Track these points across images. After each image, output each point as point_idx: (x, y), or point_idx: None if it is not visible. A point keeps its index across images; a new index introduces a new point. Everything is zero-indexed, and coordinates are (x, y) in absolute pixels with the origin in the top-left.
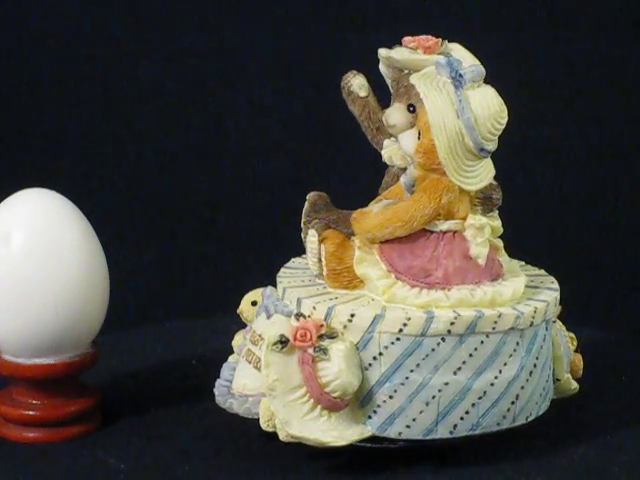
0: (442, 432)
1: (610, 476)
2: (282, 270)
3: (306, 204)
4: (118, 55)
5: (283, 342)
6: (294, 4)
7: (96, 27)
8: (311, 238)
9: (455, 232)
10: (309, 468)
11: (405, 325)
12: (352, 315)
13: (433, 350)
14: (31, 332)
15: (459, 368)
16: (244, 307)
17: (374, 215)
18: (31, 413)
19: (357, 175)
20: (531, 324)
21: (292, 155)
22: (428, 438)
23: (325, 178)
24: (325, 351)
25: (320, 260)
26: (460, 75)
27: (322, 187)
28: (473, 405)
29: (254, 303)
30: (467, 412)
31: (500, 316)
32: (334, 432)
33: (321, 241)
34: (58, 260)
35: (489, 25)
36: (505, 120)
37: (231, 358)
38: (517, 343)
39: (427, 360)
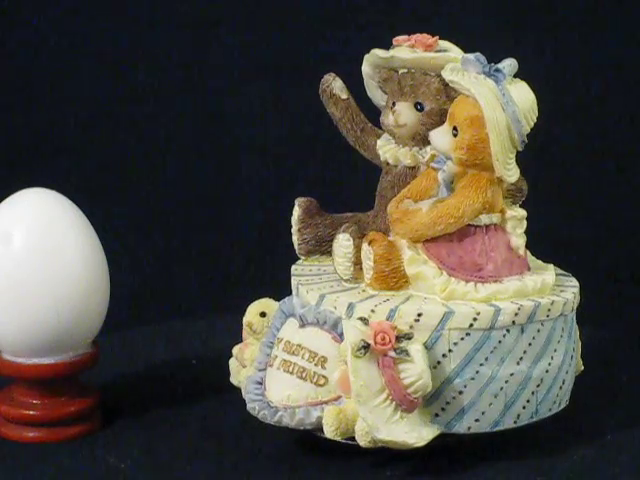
0: (507, 423)
1: (610, 476)
2: (297, 278)
3: (298, 210)
4: (118, 55)
5: (365, 347)
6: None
7: (96, 27)
8: (345, 242)
9: (495, 225)
10: (310, 467)
11: (475, 320)
12: (419, 314)
13: (500, 342)
14: (31, 332)
15: (521, 358)
16: (253, 319)
17: (424, 214)
18: (31, 413)
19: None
20: (572, 309)
21: (285, 158)
22: (495, 430)
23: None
24: (407, 352)
25: (355, 264)
26: (497, 70)
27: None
28: (533, 393)
29: (263, 314)
30: (528, 401)
31: (552, 304)
32: (414, 433)
33: (369, 243)
34: (58, 260)
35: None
36: (537, 113)
37: (244, 372)
38: (562, 329)
39: (495, 353)
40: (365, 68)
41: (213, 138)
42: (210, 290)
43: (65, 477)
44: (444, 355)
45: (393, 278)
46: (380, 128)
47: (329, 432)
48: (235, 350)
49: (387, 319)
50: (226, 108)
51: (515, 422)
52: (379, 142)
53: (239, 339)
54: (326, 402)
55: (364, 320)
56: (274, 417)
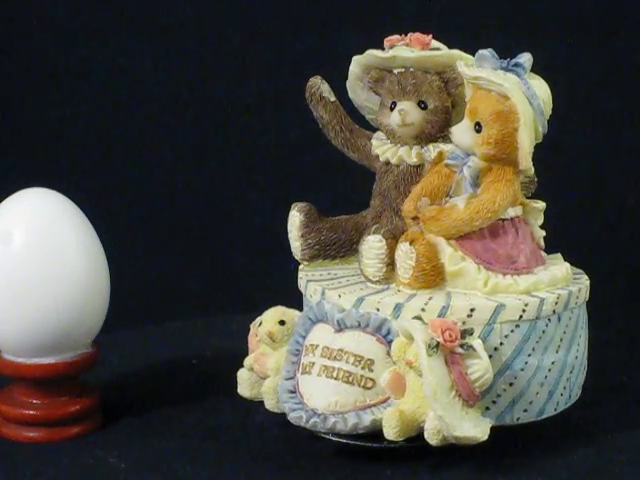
0: (549, 410)
1: (610, 476)
2: (320, 283)
3: (300, 215)
4: (118, 55)
5: (437, 345)
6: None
7: (96, 27)
8: (377, 244)
9: (518, 217)
10: (309, 467)
11: (524, 311)
12: (472, 310)
13: (543, 332)
14: (31, 332)
15: (559, 346)
16: (273, 328)
17: (462, 210)
18: (31, 413)
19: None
20: (589, 297)
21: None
22: (540, 419)
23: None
24: (473, 347)
25: (388, 264)
26: (516, 64)
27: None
28: (567, 379)
29: (282, 322)
30: (564, 387)
31: (580, 291)
32: (478, 428)
33: (410, 243)
34: (58, 260)
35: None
36: (552, 105)
37: (269, 382)
38: (582, 316)
39: (540, 342)
40: (355, 69)
41: (214, 137)
42: (210, 290)
43: (65, 477)
44: (496, 348)
45: (432, 276)
46: (369, 129)
47: (392, 434)
48: (249, 361)
49: (438, 316)
50: (229, 108)
51: (555, 409)
52: (374, 142)
53: (238, 339)
54: (374, 405)
55: (420, 319)
56: (326, 424)
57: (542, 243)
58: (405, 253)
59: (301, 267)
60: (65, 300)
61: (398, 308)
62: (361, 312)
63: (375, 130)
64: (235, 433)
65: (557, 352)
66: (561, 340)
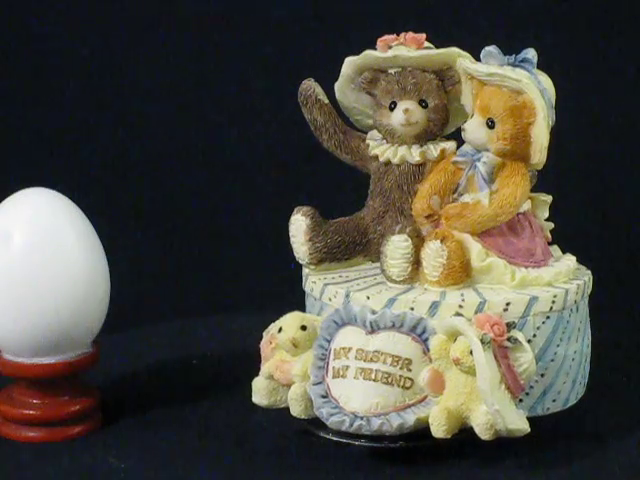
0: (572, 399)
1: (610, 476)
2: (342, 286)
3: (306, 220)
4: (118, 55)
5: (489, 341)
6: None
7: (96, 26)
8: (403, 244)
9: (528, 211)
10: (309, 467)
11: (554, 302)
12: (508, 304)
13: (568, 322)
14: (32, 332)
15: (577, 335)
16: (296, 334)
17: (486, 206)
18: (31, 413)
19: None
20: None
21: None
22: (566, 408)
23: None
24: (519, 341)
25: (412, 264)
26: (524, 60)
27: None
28: (584, 368)
29: (304, 328)
30: (582, 376)
31: (589, 280)
32: (523, 419)
33: (441, 241)
34: (59, 260)
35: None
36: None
37: (295, 389)
38: (587, 306)
39: (565, 332)
40: (347, 70)
41: (214, 136)
42: (210, 290)
43: (65, 477)
44: (529, 340)
45: (460, 273)
46: (361, 131)
47: (440, 432)
48: (267, 369)
49: (476, 312)
50: (229, 109)
51: (576, 397)
52: (371, 143)
53: (239, 339)
54: (413, 404)
55: (461, 316)
56: (372, 427)
57: (549, 235)
58: (435, 251)
59: (307, 271)
60: (65, 300)
61: (434, 306)
62: (396, 312)
63: (361, 131)
64: (235, 433)
65: (577, 341)
66: (579, 330)
